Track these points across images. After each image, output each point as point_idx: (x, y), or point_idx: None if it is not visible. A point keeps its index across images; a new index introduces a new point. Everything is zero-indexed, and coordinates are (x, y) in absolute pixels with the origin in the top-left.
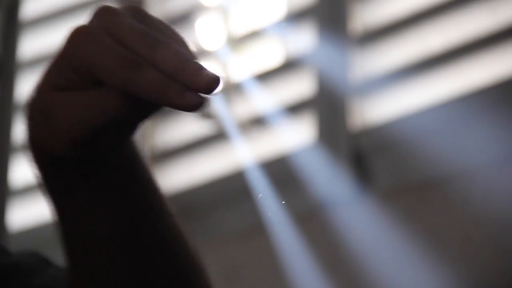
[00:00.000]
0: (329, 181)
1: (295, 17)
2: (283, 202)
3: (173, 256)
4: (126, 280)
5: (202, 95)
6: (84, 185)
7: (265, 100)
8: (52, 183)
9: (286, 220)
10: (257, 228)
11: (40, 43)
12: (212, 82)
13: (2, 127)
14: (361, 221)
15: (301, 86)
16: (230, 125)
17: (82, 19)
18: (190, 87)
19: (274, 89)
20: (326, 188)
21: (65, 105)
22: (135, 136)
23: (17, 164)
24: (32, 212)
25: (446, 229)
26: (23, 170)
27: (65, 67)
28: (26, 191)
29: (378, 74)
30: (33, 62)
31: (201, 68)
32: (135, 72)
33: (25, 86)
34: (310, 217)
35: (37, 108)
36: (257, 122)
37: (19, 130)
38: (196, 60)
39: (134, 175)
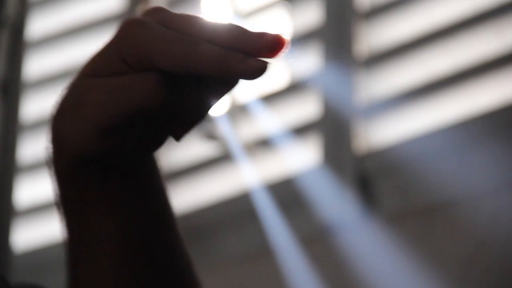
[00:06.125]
0: (334, 203)
1: (301, 39)
2: (287, 225)
3: (177, 271)
4: None
5: (265, 59)
6: (102, 194)
7: (270, 122)
8: (68, 190)
9: (292, 242)
10: (262, 250)
11: (46, 63)
12: (277, 40)
13: (7, 146)
14: (366, 244)
15: (306, 108)
16: (235, 146)
17: (88, 39)
18: (255, 52)
19: (280, 111)
20: (331, 211)
21: (98, 89)
22: (158, 152)
23: (21, 185)
24: (36, 233)
25: (451, 253)
26: (27, 191)
27: (114, 54)
28: (30, 212)
29: (383, 97)
30: (39, 82)
31: (264, 32)
32: (193, 48)
33: (30, 106)
34: (315, 239)
35: (69, 99)
36: (263, 144)
37: (24, 150)
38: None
39: (153, 188)
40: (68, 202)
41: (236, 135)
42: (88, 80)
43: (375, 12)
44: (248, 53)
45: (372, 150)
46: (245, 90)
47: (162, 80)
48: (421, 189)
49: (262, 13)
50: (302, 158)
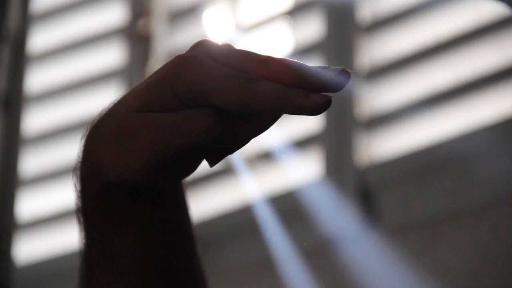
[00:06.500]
0: (336, 216)
1: (303, 52)
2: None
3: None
4: None
5: (327, 94)
6: (129, 214)
7: (272, 134)
8: (94, 208)
9: (293, 255)
10: (264, 263)
11: (48, 77)
12: (342, 74)
13: (9, 160)
14: (368, 257)
15: (308, 121)
16: (237, 159)
17: (90, 53)
18: (317, 88)
19: (282, 123)
20: (333, 224)
21: (151, 126)
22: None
23: (23, 198)
24: (38, 246)
25: (453, 266)
26: (29, 204)
27: (167, 90)
28: (32, 225)
29: (385, 109)
30: (40, 96)
31: (324, 67)
32: (252, 87)
33: (32, 120)
34: (317, 252)
35: (112, 130)
36: (265, 157)
37: (26, 164)
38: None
39: (178, 209)
40: (92, 218)
41: None
42: (138, 115)
43: (377, 26)
44: (309, 88)
45: (374, 163)
46: None
47: (217, 116)
48: (423, 202)
49: (264, 27)
50: (304, 171)
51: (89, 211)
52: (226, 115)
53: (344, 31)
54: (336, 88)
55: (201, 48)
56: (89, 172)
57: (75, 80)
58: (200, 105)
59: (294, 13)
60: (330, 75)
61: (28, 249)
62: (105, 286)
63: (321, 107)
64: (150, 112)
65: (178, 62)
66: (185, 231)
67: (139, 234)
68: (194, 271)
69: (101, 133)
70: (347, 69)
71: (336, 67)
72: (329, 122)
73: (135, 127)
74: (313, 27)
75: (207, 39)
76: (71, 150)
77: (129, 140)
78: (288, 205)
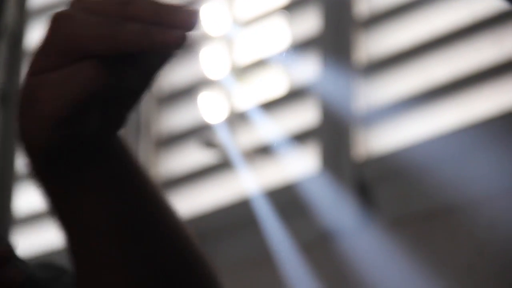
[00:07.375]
0: (334, 210)
1: (300, 46)
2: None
3: (174, 247)
4: (131, 279)
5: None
6: (81, 187)
7: (269, 129)
8: (49, 183)
9: (291, 249)
10: (262, 257)
11: None
12: (192, 14)
13: (5, 155)
14: (366, 250)
15: (305, 115)
16: (234, 154)
17: None
18: (172, 25)
19: (279, 118)
20: (331, 217)
21: (47, 85)
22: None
23: (20, 193)
24: (35, 241)
25: (450, 259)
26: (26, 199)
27: (49, 50)
28: (29, 220)
29: (382, 103)
30: None
31: (179, 6)
32: (115, 29)
33: None
34: (315, 246)
35: (23, 97)
36: (262, 151)
37: (23, 158)
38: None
39: (127, 167)
40: (56, 205)
41: (235, 142)
42: (36, 78)
43: (374, 20)
44: (168, 26)
45: (371, 157)
46: (244, 97)
47: (99, 64)
48: (420, 195)
49: (261, 21)
50: (301, 165)
51: (51, 199)
52: (112, 62)
53: (341, 25)
54: (187, 25)
55: (76, 4)
56: (26, 148)
57: None
58: (85, 58)
59: (291, 7)
60: (183, 14)
61: (25, 243)
62: (91, 270)
63: (178, 42)
64: (47, 72)
65: (52, 21)
66: (142, 187)
67: (101, 204)
68: (169, 225)
69: (19, 106)
70: (195, 10)
71: (189, 7)
72: (327, 116)
73: (32, 90)
74: (310, 22)
75: None
76: None
77: (31, 103)
78: (286, 199)
